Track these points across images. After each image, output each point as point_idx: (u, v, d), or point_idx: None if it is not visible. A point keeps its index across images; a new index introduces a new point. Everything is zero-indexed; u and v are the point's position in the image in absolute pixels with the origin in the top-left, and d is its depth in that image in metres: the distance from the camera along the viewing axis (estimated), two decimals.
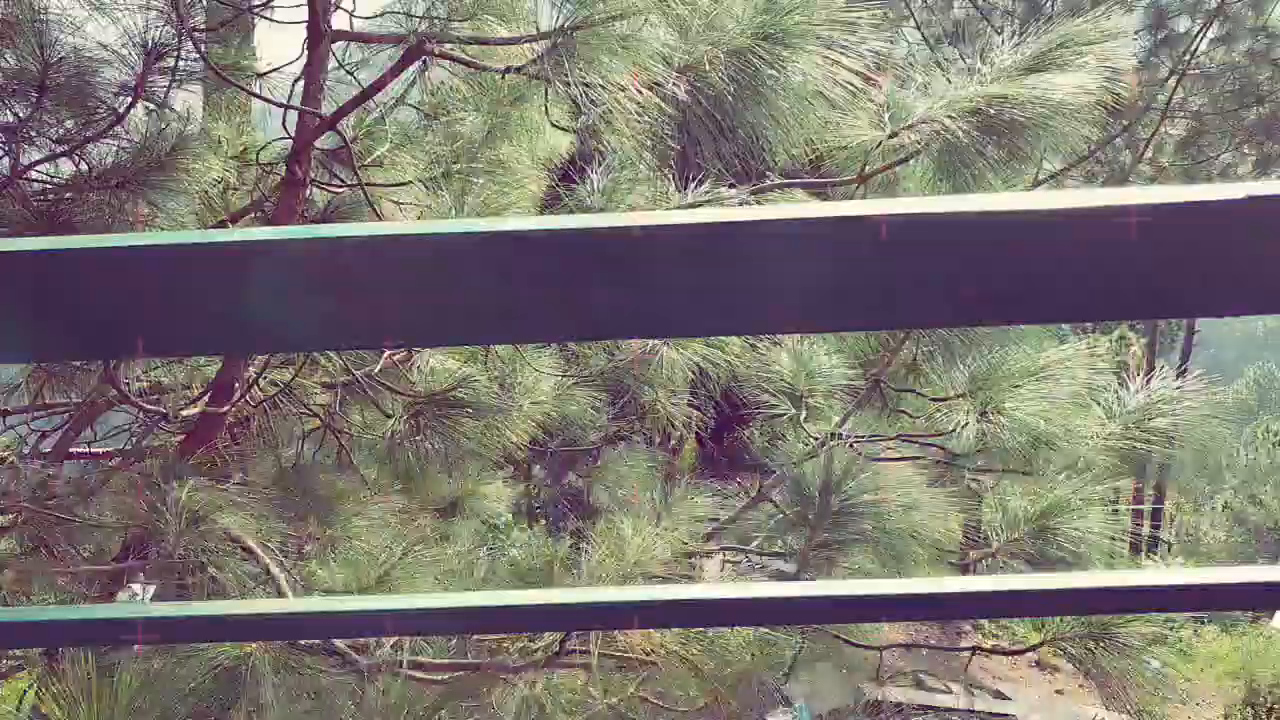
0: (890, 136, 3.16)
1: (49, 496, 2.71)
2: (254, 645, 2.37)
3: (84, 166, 3.97)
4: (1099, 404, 3.60)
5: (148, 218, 4.28)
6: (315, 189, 4.57)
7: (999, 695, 12.27)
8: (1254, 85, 15.80)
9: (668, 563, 2.91)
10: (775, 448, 4.72)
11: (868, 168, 3.33)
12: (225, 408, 3.00)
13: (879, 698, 11.32)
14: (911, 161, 3.31)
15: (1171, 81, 15.92)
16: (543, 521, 9.57)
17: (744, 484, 4.29)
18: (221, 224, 4.43)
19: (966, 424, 3.08)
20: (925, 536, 2.76)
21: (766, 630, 2.78)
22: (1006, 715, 11.92)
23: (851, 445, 3.68)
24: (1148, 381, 3.67)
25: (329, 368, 3.42)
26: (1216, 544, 20.44)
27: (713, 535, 3.72)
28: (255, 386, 3.02)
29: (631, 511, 4.05)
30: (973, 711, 11.70)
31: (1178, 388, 3.59)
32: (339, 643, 2.53)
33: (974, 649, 3.54)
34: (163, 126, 4.97)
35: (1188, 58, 15.71)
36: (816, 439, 4.19)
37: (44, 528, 2.71)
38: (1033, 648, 3.09)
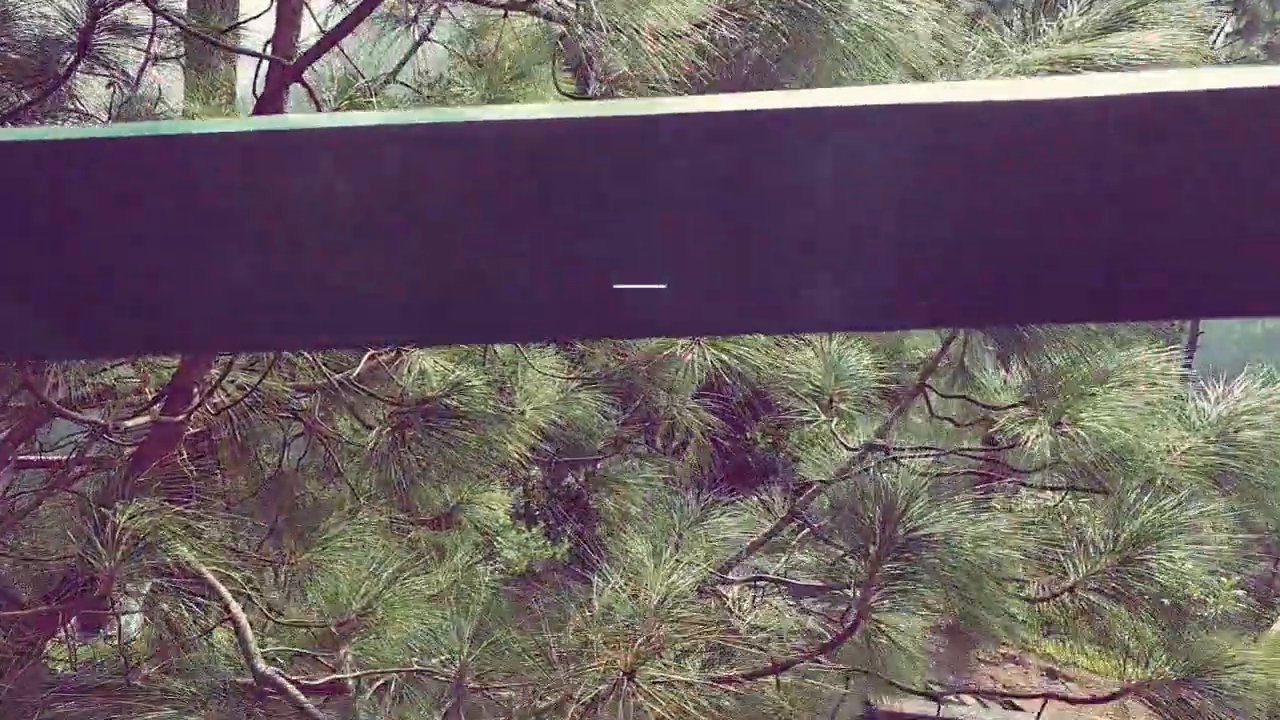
0: None
1: None
2: None
3: None
4: (1175, 415, 3.18)
5: None
6: None
7: (1010, 705, 11.92)
8: None
9: (691, 600, 2.49)
10: (806, 458, 4.29)
11: None
12: (182, 416, 2.57)
13: (887, 709, 10.94)
14: None
15: None
16: (540, 524, 9.16)
17: (769, 500, 3.87)
18: None
19: (1040, 435, 2.65)
20: (999, 572, 2.34)
21: (808, 678, 2.36)
22: None
23: (896, 459, 3.26)
24: (1229, 390, 3.26)
25: (305, 369, 3.00)
26: None
27: (737, 560, 3.30)
28: (219, 391, 2.60)
29: (644, 531, 3.62)
30: None
31: (1266, 396, 3.18)
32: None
33: (1046, 696, 3.13)
34: (123, 100, 4.56)
35: (1207, 51, 15.24)
36: (854, 449, 3.77)
37: None
38: (1113, 696, 2.67)
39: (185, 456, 3.36)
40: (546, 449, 4.34)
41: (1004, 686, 12.97)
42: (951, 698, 12.83)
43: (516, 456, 2.80)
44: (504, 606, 3.17)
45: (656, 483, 4.12)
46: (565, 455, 4.20)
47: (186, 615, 2.37)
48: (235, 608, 2.36)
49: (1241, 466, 2.90)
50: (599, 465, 4.34)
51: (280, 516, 3.50)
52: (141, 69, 4.65)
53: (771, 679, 2.14)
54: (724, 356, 2.62)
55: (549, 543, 9.66)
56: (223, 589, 2.40)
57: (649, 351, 3.91)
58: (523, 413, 3.69)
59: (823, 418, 4.02)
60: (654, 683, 1.85)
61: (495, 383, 3.26)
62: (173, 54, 5.61)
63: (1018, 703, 12.85)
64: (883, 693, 2.68)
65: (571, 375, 4.23)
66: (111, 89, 4.59)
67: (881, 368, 4.24)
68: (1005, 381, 3.53)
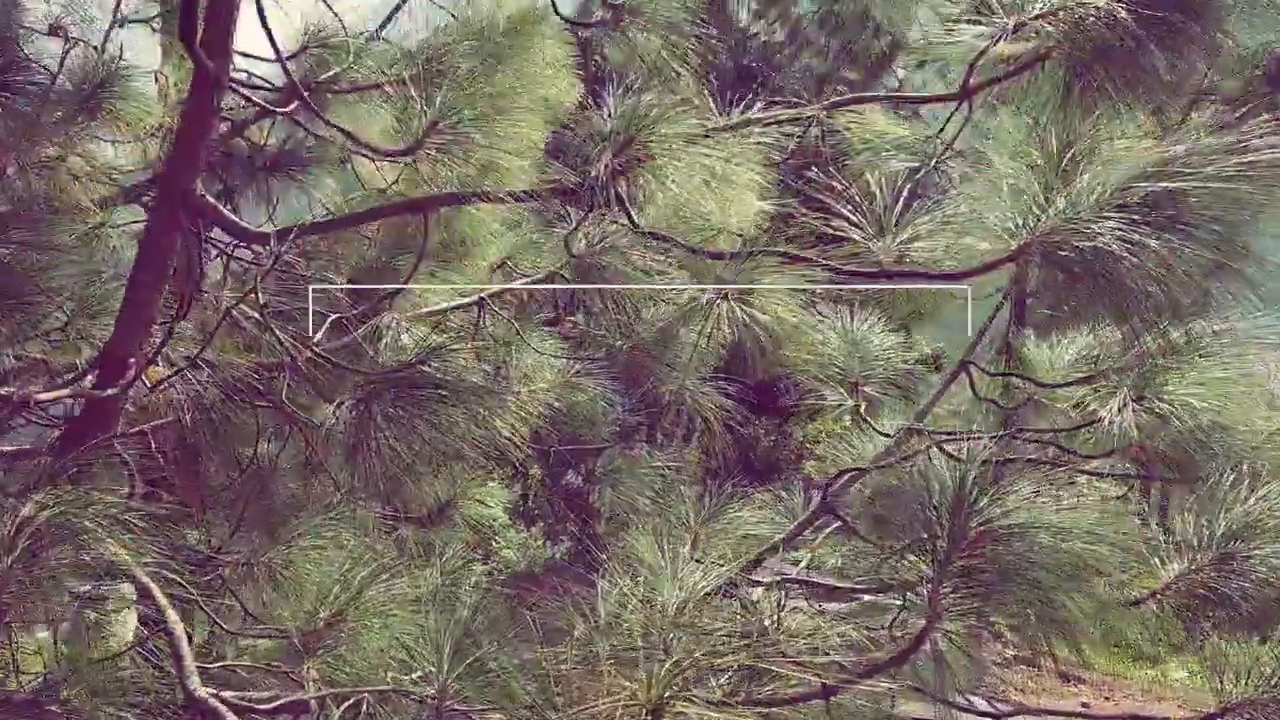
0: (1015, 30, 2.34)
1: None
2: None
3: None
4: (1260, 390, 2.79)
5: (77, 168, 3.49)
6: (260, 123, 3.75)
7: (1022, 708, 11.55)
8: None
9: (717, 605, 2.09)
10: (831, 447, 3.89)
11: (974, 79, 2.50)
12: (115, 390, 2.18)
13: (899, 714, 10.56)
14: (1035, 70, 2.49)
15: (1202, 65, 15.12)
16: (541, 524, 8.76)
17: (792, 492, 3.47)
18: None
19: (1121, 409, 2.26)
20: (1086, 575, 1.95)
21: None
22: None
23: (941, 445, 2.86)
24: None
25: (269, 345, 2.60)
26: None
27: (761, 560, 2.91)
28: (159, 359, 2.20)
29: (654, 527, 3.23)
30: None
31: None
32: None
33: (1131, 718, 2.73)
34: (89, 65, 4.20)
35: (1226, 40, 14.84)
36: (888, 436, 3.37)
37: None
38: (1208, 718, 2.28)
39: (155, 447, 2.98)
40: (545, 438, 3.96)
41: (1016, 689, 12.63)
42: (960, 699, 12.46)
43: (509, 436, 2.40)
44: (494, 615, 2.77)
45: (666, 473, 3.72)
46: (566, 445, 3.80)
47: (115, 626, 1.97)
48: (172, 616, 1.97)
49: None
50: (603, 455, 3.95)
51: (248, 512, 3.11)
52: (108, 32, 4.26)
53: (820, 703, 1.75)
54: (757, 314, 2.24)
55: (549, 543, 9.27)
56: (158, 593, 2.01)
57: (656, 323, 3.52)
58: (517, 393, 3.30)
59: (849, 400, 3.63)
60: None
61: (487, 359, 2.88)
62: (141, 16, 5.21)
63: (1025, 703, 12.54)
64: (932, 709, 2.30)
65: (573, 357, 3.84)
66: (69, 46, 4.19)
67: (909, 348, 3.85)
68: (1057, 356, 3.14)
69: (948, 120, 2.62)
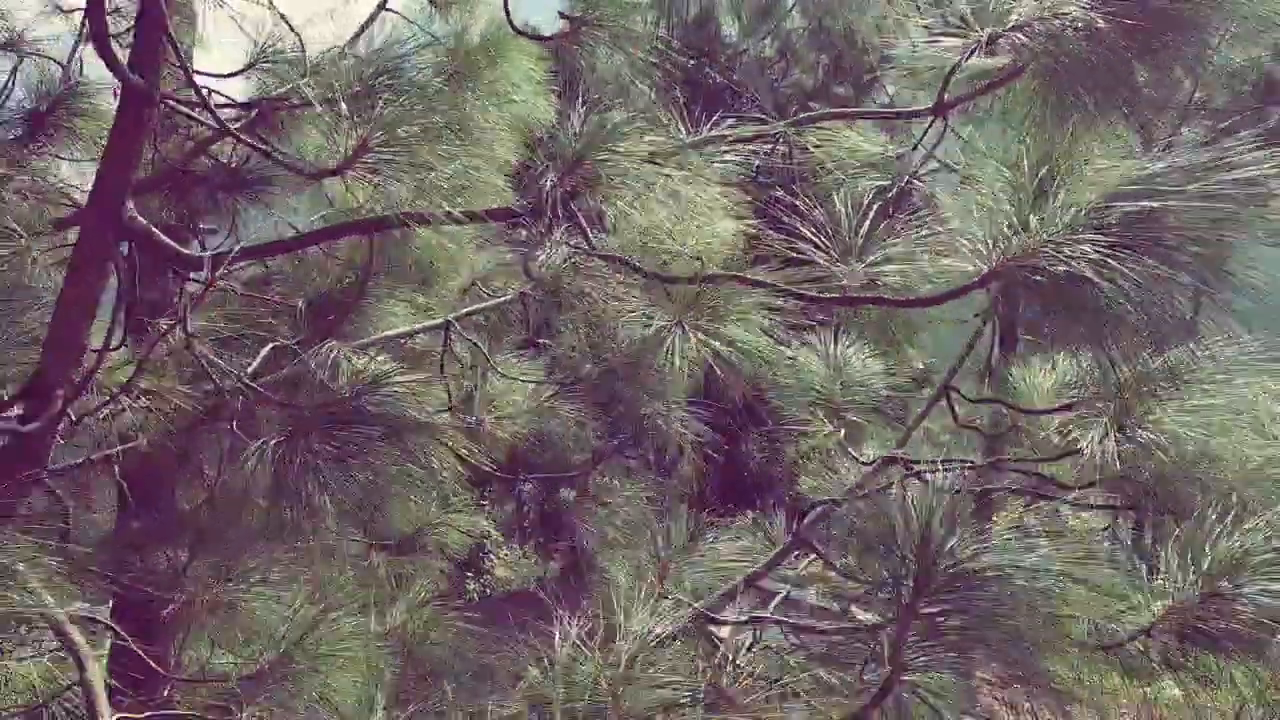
0: (989, 44, 2.23)
1: None
2: None
3: None
4: (1247, 419, 2.67)
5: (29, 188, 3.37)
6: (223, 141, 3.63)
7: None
8: (1276, 83, 14.99)
9: (677, 649, 1.97)
10: (809, 475, 3.77)
11: (948, 94, 2.39)
12: (40, 423, 2.05)
13: None
14: (1011, 85, 2.38)
15: (1189, 80, 15.13)
16: (531, 542, 8.62)
17: (770, 523, 3.35)
18: None
19: (1103, 439, 2.15)
20: (1063, 613, 1.83)
21: None
22: None
23: (919, 474, 2.75)
24: None
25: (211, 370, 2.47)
26: None
27: (734, 595, 2.78)
28: (90, 386, 2.08)
29: (629, 559, 3.10)
30: None
31: None
32: None
33: None
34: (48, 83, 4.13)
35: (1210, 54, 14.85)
36: (867, 464, 3.25)
37: None
38: None
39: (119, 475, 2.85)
40: (518, 461, 3.83)
41: (1009, 708, 12.48)
42: None
43: (449, 472, 2.28)
44: (448, 655, 2.65)
45: (639, 501, 3.59)
46: (536, 473, 3.68)
47: (27, 672, 1.85)
48: (91, 665, 1.84)
49: None
50: (574, 483, 3.83)
51: (201, 543, 2.97)
52: (75, 48, 4.15)
53: None
54: (716, 344, 2.12)
55: (540, 560, 9.12)
56: (78, 638, 1.88)
57: (630, 351, 3.41)
58: (480, 422, 3.18)
59: (828, 428, 3.51)
60: None
61: (442, 385, 2.76)
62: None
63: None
64: None
65: (543, 381, 3.72)
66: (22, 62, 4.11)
67: (892, 373, 3.74)
68: (1041, 382, 3.03)
69: (922, 137, 2.52)
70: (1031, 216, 1.73)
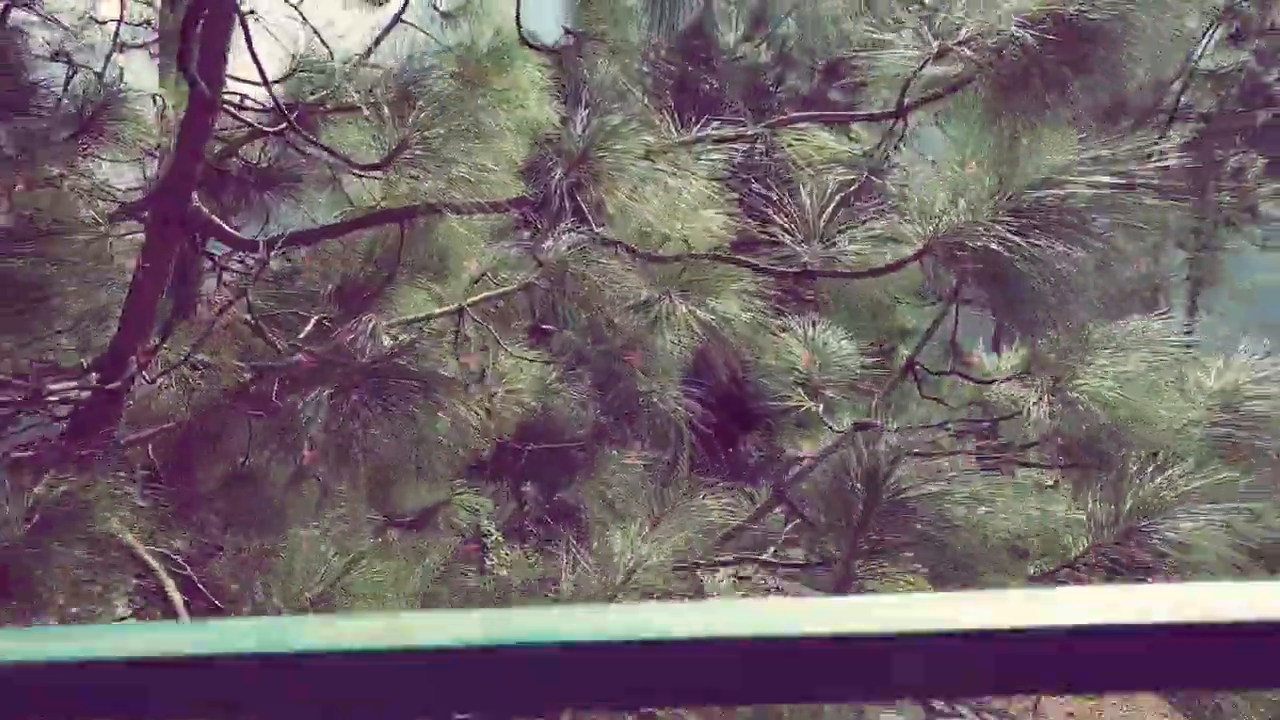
0: (938, 56, 2.57)
1: None
2: None
3: None
4: (1175, 386, 3.01)
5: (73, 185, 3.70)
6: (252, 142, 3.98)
7: (1007, 717, 11.72)
8: (1263, 87, 15.33)
9: (666, 574, 2.31)
10: (793, 445, 4.12)
11: (908, 98, 2.74)
12: (118, 383, 2.40)
13: None
14: (963, 90, 2.72)
15: (1178, 84, 15.49)
16: (532, 540, 8.92)
17: (757, 486, 3.69)
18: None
19: (1038, 400, 2.48)
20: (995, 538, 2.17)
21: None
22: None
23: (884, 434, 3.09)
24: (1229, 360, 3.10)
25: (254, 344, 2.82)
26: None
27: (723, 546, 3.12)
28: (157, 357, 2.42)
29: (627, 517, 3.44)
30: None
31: (1271, 366, 3.02)
32: None
33: None
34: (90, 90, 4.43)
35: (1196, 58, 15.29)
36: (841, 431, 3.59)
37: None
38: None
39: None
40: (525, 434, 4.16)
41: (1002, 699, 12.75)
42: (946, 708, 12.56)
43: (477, 426, 2.61)
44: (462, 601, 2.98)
45: (636, 470, 3.94)
46: (542, 443, 4.02)
47: (114, 594, 2.19)
48: (170, 585, 2.18)
49: (1247, 436, 2.73)
50: (584, 462, 4.17)
51: (241, 508, 3.31)
52: (109, 57, 4.50)
53: None
54: (700, 313, 2.45)
55: (540, 558, 9.43)
56: (157, 566, 2.22)
57: (629, 335, 3.74)
58: (495, 392, 3.52)
59: (809, 403, 3.85)
60: None
61: (462, 362, 3.10)
62: (139, 42, 5.47)
63: (1011, 713, 12.64)
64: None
65: (548, 360, 4.06)
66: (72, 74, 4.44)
67: (864, 354, 4.08)
68: (1000, 359, 3.37)
69: (885, 136, 2.87)
70: (961, 201, 2.07)
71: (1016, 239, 1.93)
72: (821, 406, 3.83)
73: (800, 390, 3.91)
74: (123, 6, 4.95)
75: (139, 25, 5.46)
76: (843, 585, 1.98)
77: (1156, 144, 2.15)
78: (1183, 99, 15.16)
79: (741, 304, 2.54)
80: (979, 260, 1.97)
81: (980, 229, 1.97)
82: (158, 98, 4.35)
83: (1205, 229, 17.06)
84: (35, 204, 3.42)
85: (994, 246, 1.93)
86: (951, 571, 2.05)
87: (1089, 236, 1.98)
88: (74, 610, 2.34)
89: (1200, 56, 14.95)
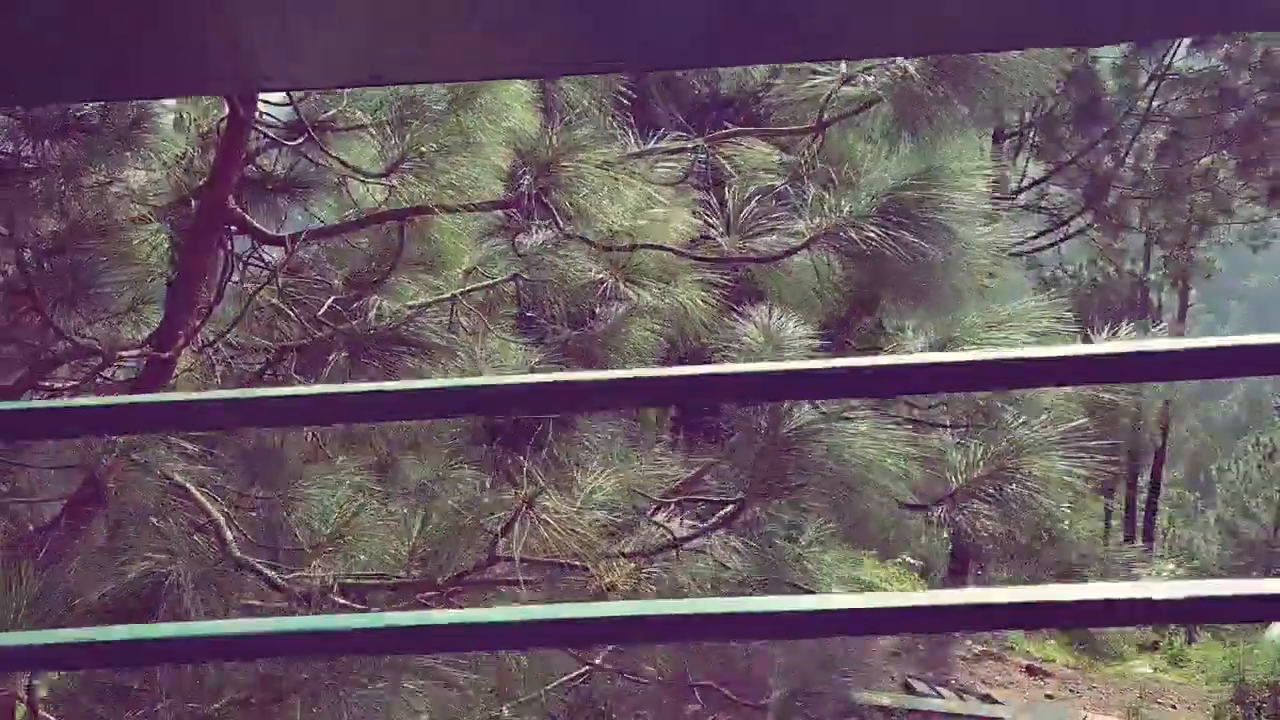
0: (845, 83, 3.13)
1: None
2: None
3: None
4: None
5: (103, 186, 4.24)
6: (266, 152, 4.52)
7: (988, 699, 12.21)
8: (1233, 89, 15.89)
9: (619, 510, 2.86)
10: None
11: (825, 115, 3.30)
12: (169, 353, 2.94)
13: (867, 702, 11.23)
14: (871, 110, 3.28)
15: (1151, 86, 16.08)
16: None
17: (705, 448, 4.24)
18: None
19: None
20: (882, 477, 2.70)
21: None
22: (996, 719, 11.83)
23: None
24: (1113, 334, 3.64)
25: (281, 327, 3.37)
26: (1210, 557, 20.50)
27: (676, 494, 3.66)
28: (199, 335, 2.97)
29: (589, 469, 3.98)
30: (962, 715, 11.60)
31: (1154, 334, 3.56)
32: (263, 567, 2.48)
33: None
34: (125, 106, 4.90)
35: (1167, 62, 15.85)
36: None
37: None
38: None
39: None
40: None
41: (983, 682, 13.22)
42: (928, 690, 13.01)
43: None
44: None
45: (605, 435, 4.49)
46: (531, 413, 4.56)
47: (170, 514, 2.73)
48: (216, 514, 2.73)
49: (1109, 395, 3.28)
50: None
51: (262, 469, 3.86)
52: None
53: (672, 553, 2.51)
54: (644, 295, 3.00)
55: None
56: (203, 499, 2.77)
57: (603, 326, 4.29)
58: (483, 361, 4.06)
59: None
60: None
61: (456, 340, 3.63)
62: None
63: (991, 694, 13.12)
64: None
65: (531, 344, 4.61)
66: None
67: (813, 338, 4.63)
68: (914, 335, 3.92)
69: (807, 148, 3.42)
70: (843, 202, 2.62)
71: (880, 231, 2.48)
72: None
73: None
74: None
75: None
76: (746, 504, 2.52)
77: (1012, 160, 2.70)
78: (1154, 103, 15.74)
79: (700, 291, 3.09)
80: (851, 249, 2.52)
81: (853, 225, 2.51)
82: (184, 113, 4.90)
83: (1179, 228, 17.58)
84: (84, 208, 3.97)
85: (868, 236, 2.48)
86: (844, 506, 2.59)
87: (936, 229, 2.53)
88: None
89: (1172, 60, 15.55)
